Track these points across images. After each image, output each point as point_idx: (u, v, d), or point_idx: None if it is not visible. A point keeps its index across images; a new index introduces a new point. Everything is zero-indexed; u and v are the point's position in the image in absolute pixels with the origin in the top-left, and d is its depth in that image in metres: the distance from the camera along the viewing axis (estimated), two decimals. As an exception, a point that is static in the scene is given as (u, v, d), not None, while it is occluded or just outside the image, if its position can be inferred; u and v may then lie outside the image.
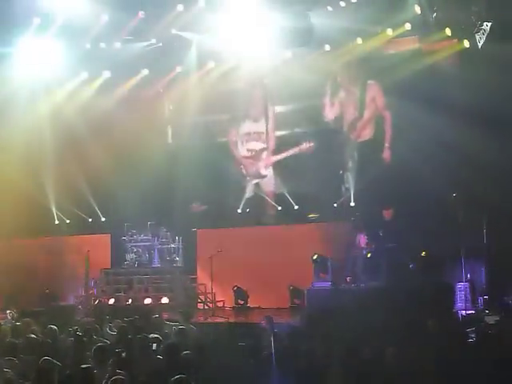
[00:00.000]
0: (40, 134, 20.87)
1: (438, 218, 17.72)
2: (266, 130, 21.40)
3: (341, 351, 9.01)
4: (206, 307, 19.75)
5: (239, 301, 19.85)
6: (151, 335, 11.08)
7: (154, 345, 10.64)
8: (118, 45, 20.20)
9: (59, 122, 20.99)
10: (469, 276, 17.23)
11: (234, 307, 19.76)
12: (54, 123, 21.05)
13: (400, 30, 18.57)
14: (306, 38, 18.61)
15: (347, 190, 19.95)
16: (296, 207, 20.56)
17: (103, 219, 22.24)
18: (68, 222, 22.23)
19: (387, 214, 19.15)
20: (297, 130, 20.96)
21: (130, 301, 19.62)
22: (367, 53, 19.18)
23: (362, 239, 18.71)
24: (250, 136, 21.70)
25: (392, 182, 18.51)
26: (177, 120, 22.16)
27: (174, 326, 12.78)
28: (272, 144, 21.41)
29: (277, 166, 21.27)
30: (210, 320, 17.19)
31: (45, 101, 21.04)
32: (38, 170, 21.22)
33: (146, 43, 20.49)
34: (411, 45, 18.90)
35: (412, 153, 17.73)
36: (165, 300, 19.48)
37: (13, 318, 14.76)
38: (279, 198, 21.00)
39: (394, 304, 13.99)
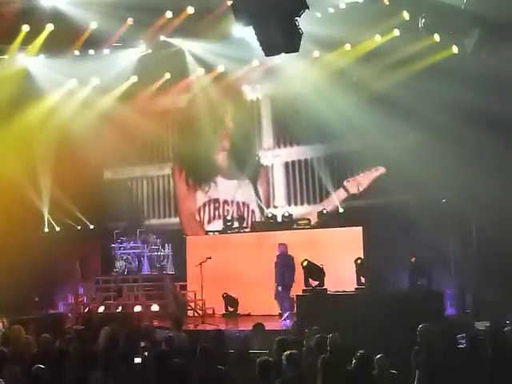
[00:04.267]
0: (32, 141, 20.80)
1: (428, 224, 17.74)
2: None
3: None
4: (195, 314, 19.66)
5: (229, 308, 19.86)
6: (141, 343, 11.05)
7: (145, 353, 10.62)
8: (106, 51, 20.17)
9: (49, 128, 20.93)
10: (458, 281, 17.26)
11: (223, 314, 19.78)
12: (44, 130, 20.97)
13: (388, 36, 18.59)
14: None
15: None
16: (286, 213, 20.61)
17: (91, 227, 22.21)
18: (58, 229, 22.17)
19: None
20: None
21: (120, 308, 19.55)
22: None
23: None
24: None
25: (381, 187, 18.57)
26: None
27: (165, 333, 12.75)
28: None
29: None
30: (200, 327, 17.20)
31: (36, 107, 20.98)
32: (32, 176, 21.11)
33: (135, 50, 20.52)
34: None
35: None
36: (155, 307, 19.42)
37: (3, 326, 14.68)
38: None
39: (383, 310, 13.97)
